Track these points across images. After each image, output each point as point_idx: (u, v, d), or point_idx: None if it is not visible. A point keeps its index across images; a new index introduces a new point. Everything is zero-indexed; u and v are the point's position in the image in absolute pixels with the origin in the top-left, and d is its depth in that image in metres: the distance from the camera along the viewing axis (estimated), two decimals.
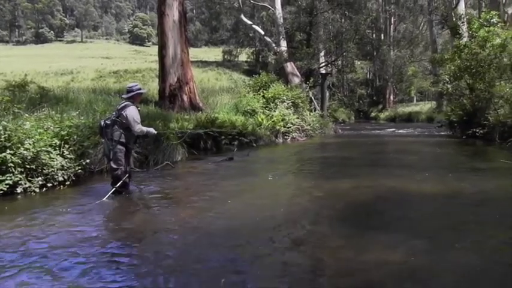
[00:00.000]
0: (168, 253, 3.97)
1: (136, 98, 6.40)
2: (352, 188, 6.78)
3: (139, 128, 6.09)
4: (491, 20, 15.71)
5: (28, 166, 6.31)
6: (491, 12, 16.48)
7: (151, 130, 6.41)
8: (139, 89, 6.36)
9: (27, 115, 7.69)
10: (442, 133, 18.70)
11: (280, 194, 6.60)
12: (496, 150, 11.94)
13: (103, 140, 6.38)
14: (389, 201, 5.99)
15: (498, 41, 14.68)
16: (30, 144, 6.39)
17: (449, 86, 16.99)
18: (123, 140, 6.10)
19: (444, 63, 17.54)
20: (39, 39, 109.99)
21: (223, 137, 12.16)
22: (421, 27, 45.89)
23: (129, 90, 6.28)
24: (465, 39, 17.31)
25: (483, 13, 17.08)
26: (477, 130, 14.37)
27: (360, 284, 3.29)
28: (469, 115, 15.47)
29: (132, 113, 6.03)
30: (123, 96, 6.53)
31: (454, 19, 22.53)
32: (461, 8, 27.11)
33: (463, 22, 20.12)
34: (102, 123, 6.18)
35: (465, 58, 15.45)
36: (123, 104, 6.17)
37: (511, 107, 13.18)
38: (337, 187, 6.93)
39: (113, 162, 6.14)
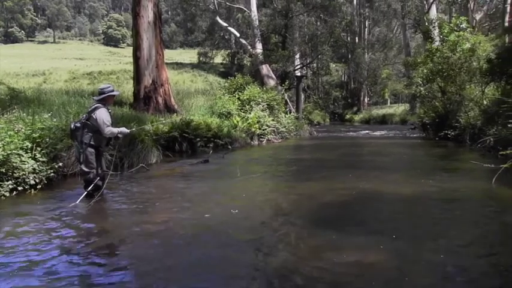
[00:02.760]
0: (138, 258, 3.92)
1: (108, 100, 6.32)
2: (326, 190, 6.84)
3: (109, 130, 6.00)
4: (461, 25, 16.15)
5: None
6: (461, 17, 16.93)
7: (123, 129, 6.32)
8: (112, 90, 6.26)
9: None
10: (415, 135, 19.12)
11: (255, 196, 6.59)
12: (466, 151, 12.22)
13: (74, 143, 6.27)
14: (363, 203, 6.06)
15: (467, 45, 15.11)
16: None
17: (422, 88, 17.33)
18: (93, 142, 6.01)
19: (417, 66, 17.93)
20: (9, 38, 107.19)
21: (198, 139, 12.11)
22: (394, 31, 46.81)
23: (100, 92, 6.19)
24: (437, 43, 17.67)
25: (453, 18, 17.51)
26: (449, 132, 14.74)
27: (332, 284, 3.32)
28: (441, 117, 15.83)
29: (102, 115, 5.95)
30: (94, 98, 6.43)
31: (426, 23, 23.03)
32: (433, 13, 27.83)
33: (434, 27, 20.57)
34: (72, 125, 6.08)
35: (437, 61, 15.83)
36: (93, 106, 6.08)
37: (480, 110, 13.52)
38: (311, 189, 6.98)
39: (84, 166, 6.05)
